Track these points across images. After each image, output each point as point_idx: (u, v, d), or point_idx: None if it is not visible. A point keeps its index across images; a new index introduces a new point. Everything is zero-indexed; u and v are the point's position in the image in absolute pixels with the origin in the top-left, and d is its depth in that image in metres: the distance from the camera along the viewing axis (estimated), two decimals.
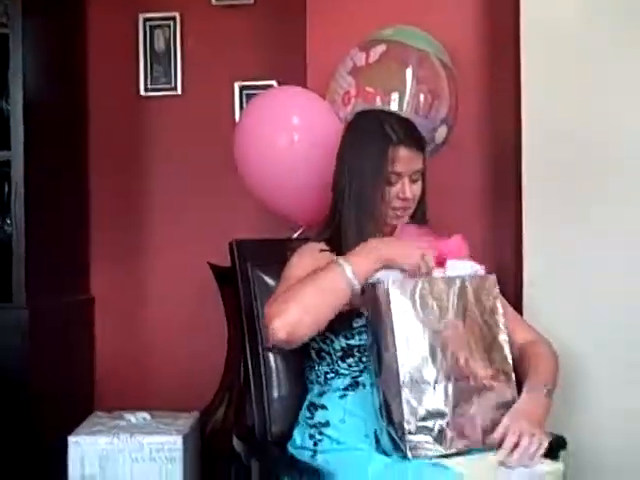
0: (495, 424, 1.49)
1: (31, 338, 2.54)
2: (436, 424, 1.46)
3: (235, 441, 1.81)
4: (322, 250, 1.73)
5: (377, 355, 1.53)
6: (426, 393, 1.46)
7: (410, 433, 1.45)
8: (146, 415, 2.69)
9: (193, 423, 2.66)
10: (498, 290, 1.57)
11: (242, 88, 3.00)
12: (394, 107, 2.08)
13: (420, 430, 1.45)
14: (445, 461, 1.45)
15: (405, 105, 2.09)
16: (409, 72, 2.11)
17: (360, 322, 1.65)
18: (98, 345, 3.07)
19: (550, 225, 2.12)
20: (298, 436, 1.72)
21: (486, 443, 1.49)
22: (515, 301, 2.01)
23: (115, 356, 3.05)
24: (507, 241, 2.43)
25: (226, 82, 3.01)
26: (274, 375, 1.83)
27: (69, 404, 2.80)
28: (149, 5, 3.05)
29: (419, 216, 1.79)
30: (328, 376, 1.71)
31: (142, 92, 3.07)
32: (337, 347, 1.68)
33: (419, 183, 1.74)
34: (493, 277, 1.58)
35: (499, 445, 1.47)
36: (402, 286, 1.48)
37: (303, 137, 2.09)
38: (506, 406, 1.51)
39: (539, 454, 1.47)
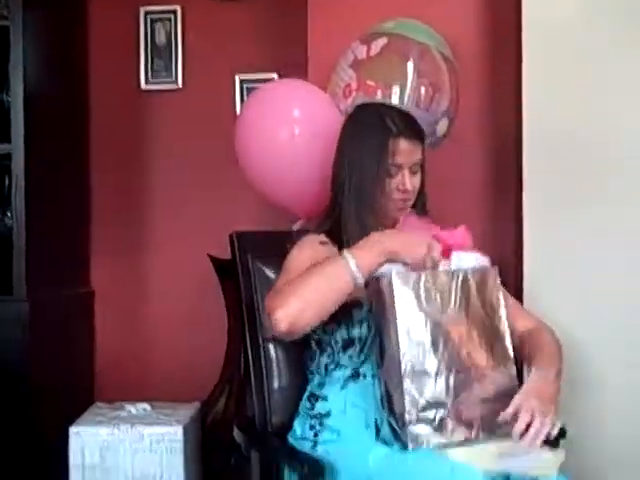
0: (496, 414, 1.48)
1: (31, 331, 2.55)
2: (437, 414, 1.46)
3: (235, 432, 1.81)
4: (322, 242, 1.73)
5: (379, 346, 1.54)
6: (427, 384, 1.46)
7: (411, 423, 1.45)
8: (146, 406, 2.70)
9: (193, 414, 2.67)
10: (499, 282, 1.58)
11: (243, 81, 3.00)
12: (395, 100, 2.08)
13: (421, 420, 1.46)
14: (445, 451, 1.45)
15: (406, 98, 2.09)
16: (410, 65, 2.11)
17: (361, 313, 1.65)
18: (98, 338, 3.08)
19: (550, 219, 2.12)
20: (298, 427, 1.72)
21: (495, 424, 1.47)
22: (515, 295, 2.01)
23: (115, 349, 3.05)
24: (507, 234, 2.43)
25: (227, 75, 3.01)
26: (274, 366, 1.83)
27: (69, 396, 2.81)
28: None
29: (419, 207, 1.79)
30: (329, 367, 1.71)
31: (143, 85, 3.08)
32: (338, 338, 1.69)
33: (419, 175, 1.74)
34: (495, 269, 1.58)
35: (510, 424, 1.46)
36: (405, 278, 1.49)
37: (304, 130, 2.09)
38: (507, 396, 1.50)
39: (553, 434, 1.47)
